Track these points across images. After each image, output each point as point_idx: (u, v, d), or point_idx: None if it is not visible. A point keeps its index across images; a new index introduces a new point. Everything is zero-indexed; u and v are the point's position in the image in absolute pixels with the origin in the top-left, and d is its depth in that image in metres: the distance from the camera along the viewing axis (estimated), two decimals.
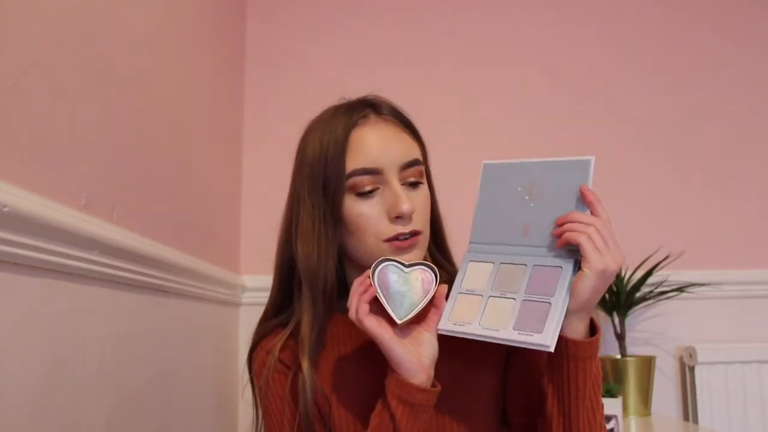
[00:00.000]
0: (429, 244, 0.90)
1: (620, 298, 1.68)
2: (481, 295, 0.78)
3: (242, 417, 1.73)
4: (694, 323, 1.84)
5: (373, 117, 0.86)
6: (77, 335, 0.86)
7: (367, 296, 0.75)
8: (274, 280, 0.91)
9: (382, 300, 0.75)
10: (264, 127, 1.90)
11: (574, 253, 0.74)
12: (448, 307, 0.79)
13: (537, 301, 0.73)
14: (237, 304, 1.77)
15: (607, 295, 1.69)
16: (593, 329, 0.77)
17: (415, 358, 0.74)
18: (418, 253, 0.83)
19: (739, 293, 1.85)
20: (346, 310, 0.78)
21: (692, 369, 1.78)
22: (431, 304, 0.77)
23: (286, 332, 0.87)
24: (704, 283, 1.75)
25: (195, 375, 1.38)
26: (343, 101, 0.89)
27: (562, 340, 0.73)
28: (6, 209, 0.67)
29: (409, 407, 0.73)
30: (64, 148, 0.84)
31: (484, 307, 0.76)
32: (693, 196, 1.92)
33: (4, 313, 0.70)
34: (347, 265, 0.89)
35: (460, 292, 0.79)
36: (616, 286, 1.68)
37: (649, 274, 1.70)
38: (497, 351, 0.85)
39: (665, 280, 1.72)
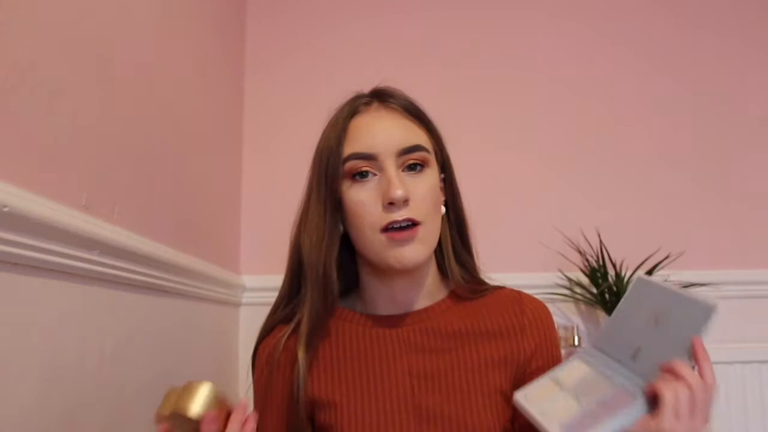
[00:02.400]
0: (453, 238, 0.89)
1: (620, 298, 1.67)
2: (560, 387, 0.76)
3: None
4: None
5: (375, 105, 0.85)
6: (77, 335, 0.86)
7: None
8: (285, 273, 0.91)
9: None
10: (264, 127, 1.89)
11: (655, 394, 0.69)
12: (534, 382, 0.78)
13: (588, 417, 0.70)
14: (237, 304, 1.76)
15: (607, 295, 1.69)
16: None
17: None
18: (420, 248, 0.80)
19: (739, 293, 1.85)
20: (349, 305, 0.76)
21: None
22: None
23: (288, 330, 0.86)
24: (704, 283, 1.74)
25: (195, 375, 1.37)
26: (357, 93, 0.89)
27: None
28: (6, 209, 0.67)
29: None
30: (64, 148, 0.84)
31: (554, 398, 0.75)
32: (693, 196, 1.91)
33: (4, 313, 0.70)
34: (358, 259, 0.89)
35: (550, 377, 0.79)
36: (616, 286, 1.68)
37: (649, 274, 1.70)
38: (505, 377, 0.84)
39: (665, 280, 1.71)
